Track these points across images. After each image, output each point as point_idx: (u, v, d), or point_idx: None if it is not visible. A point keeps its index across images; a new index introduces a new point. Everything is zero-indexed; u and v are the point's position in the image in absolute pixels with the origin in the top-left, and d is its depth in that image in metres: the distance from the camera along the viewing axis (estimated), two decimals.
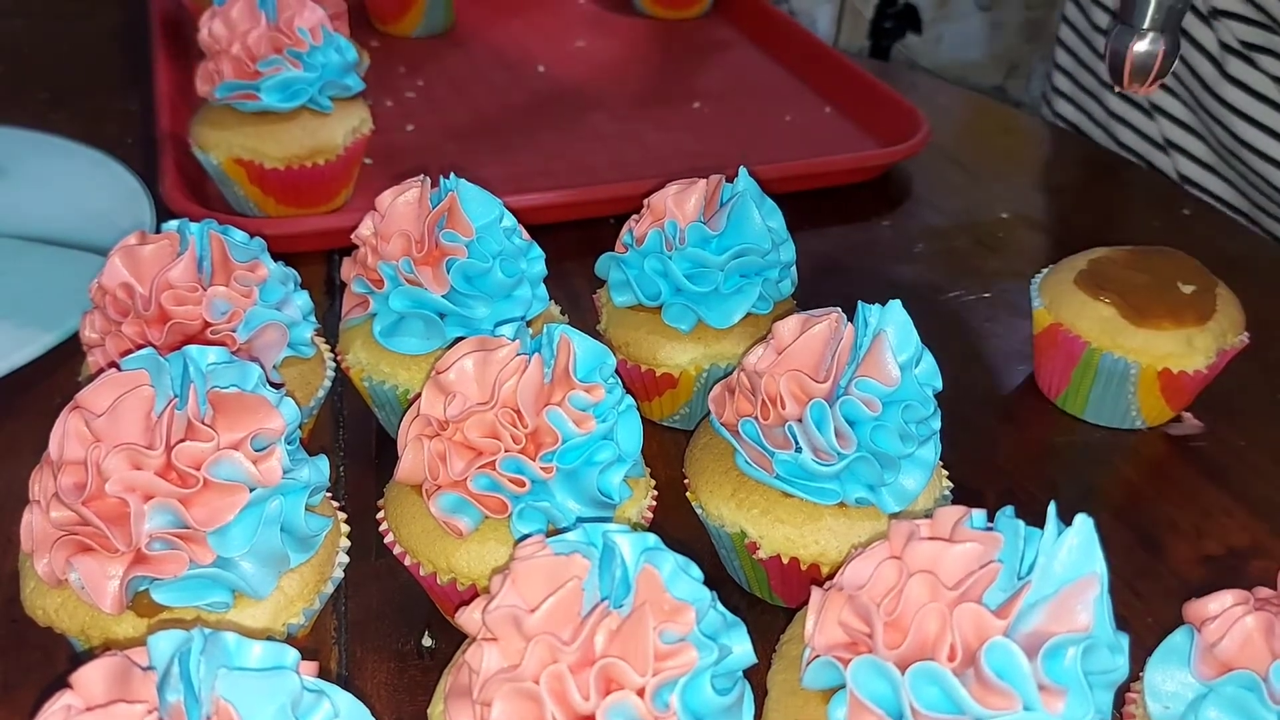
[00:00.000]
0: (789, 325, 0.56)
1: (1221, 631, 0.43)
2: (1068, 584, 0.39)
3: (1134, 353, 0.70)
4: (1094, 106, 1.19)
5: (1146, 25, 0.60)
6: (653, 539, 0.42)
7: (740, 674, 0.42)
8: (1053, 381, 0.75)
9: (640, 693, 0.38)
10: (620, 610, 0.40)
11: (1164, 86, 1.09)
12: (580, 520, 0.52)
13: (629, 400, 0.55)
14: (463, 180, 0.63)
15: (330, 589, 0.54)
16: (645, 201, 0.69)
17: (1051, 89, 1.26)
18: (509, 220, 0.65)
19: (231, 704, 0.36)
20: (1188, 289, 0.71)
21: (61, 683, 0.37)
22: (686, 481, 0.61)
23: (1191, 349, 0.70)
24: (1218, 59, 1.03)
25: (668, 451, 0.71)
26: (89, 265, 0.80)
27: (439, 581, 0.54)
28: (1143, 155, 1.14)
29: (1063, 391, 0.75)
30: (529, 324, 0.66)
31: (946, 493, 0.60)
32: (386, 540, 0.57)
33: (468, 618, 0.42)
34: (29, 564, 0.51)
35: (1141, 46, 0.60)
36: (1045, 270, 0.76)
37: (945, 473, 0.61)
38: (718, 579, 0.62)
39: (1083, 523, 0.40)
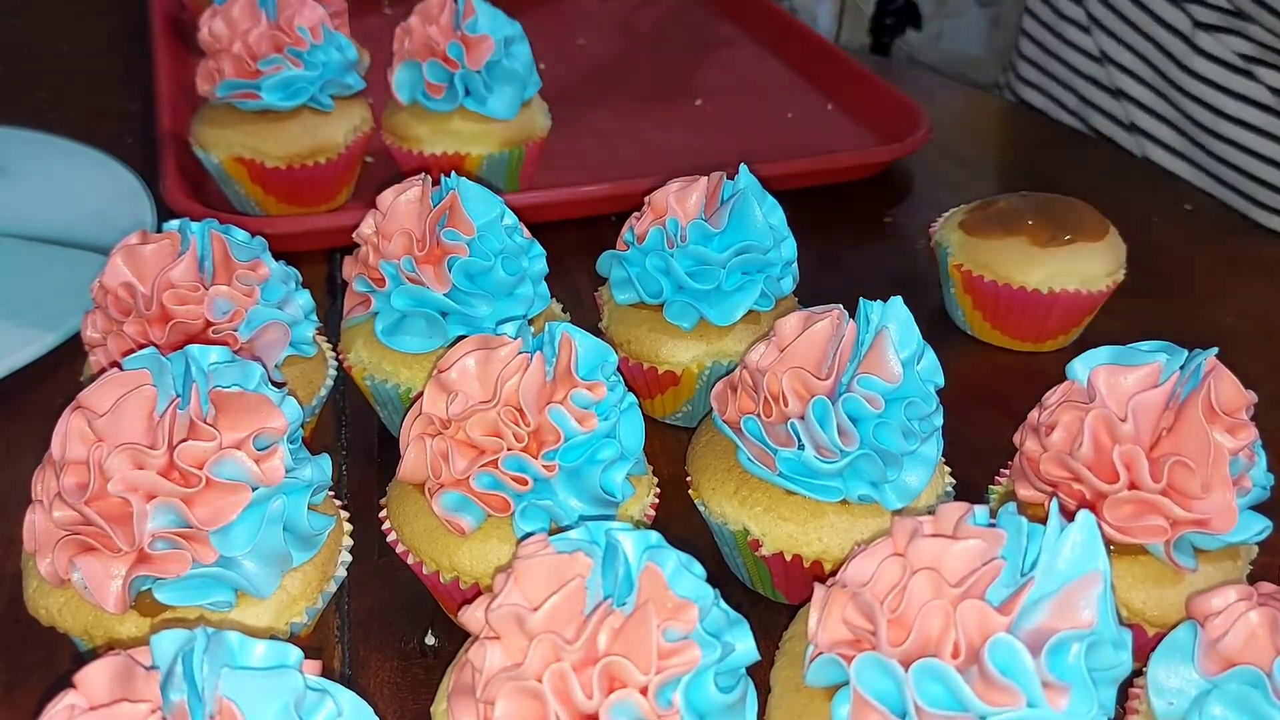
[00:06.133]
0: (791, 322, 0.56)
1: (1225, 627, 0.43)
2: (1071, 580, 0.39)
3: (953, 246, 0.80)
4: (1062, 93, 1.24)
5: None
6: (655, 537, 0.42)
7: (743, 671, 0.42)
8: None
9: (643, 691, 0.38)
10: (623, 608, 0.40)
11: (1131, 73, 1.15)
12: (583, 518, 0.52)
13: (631, 398, 0.55)
14: (464, 179, 0.63)
15: (333, 588, 0.54)
16: (646, 199, 0.69)
17: (1015, 76, 1.30)
18: (510, 218, 0.65)
19: (235, 703, 0.36)
20: (1035, 220, 0.78)
21: (65, 682, 0.37)
22: (689, 479, 0.61)
23: (997, 256, 0.77)
24: (1189, 36, 1.08)
25: (670, 449, 0.71)
26: (90, 265, 0.80)
27: (442, 580, 0.54)
28: (1110, 137, 1.18)
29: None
30: (531, 322, 0.66)
31: (949, 489, 0.60)
32: (389, 539, 0.57)
33: (470, 616, 0.42)
34: (32, 564, 0.51)
35: None
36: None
37: (948, 469, 0.61)
38: (720, 576, 0.62)
39: (1085, 519, 0.40)
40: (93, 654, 0.49)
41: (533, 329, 0.54)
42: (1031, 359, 0.81)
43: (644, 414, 0.57)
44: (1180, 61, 1.09)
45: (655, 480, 0.59)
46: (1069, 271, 0.77)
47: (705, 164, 0.72)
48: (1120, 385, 0.52)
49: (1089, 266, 0.78)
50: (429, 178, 0.64)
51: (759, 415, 0.55)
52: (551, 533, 0.45)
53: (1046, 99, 1.25)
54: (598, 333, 0.66)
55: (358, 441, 0.71)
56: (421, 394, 0.54)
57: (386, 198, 0.64)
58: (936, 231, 0.83)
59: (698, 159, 0.89)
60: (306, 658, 0.39)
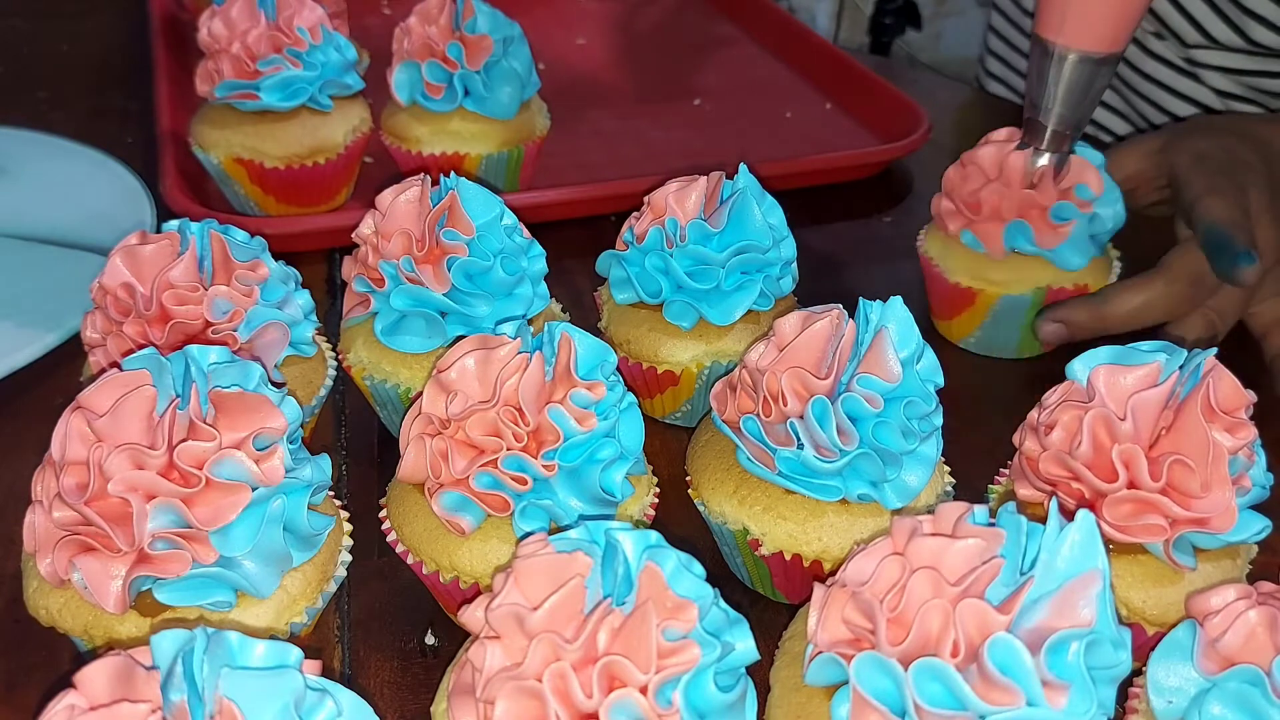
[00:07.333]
0: (790, 322, 0.56)
1: (1224, 626, 0.43)
2: (1070, 579, 0.39)
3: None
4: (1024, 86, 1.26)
5: (1044, 147, 0.74)
6: (655, 536, 0.42)
7: (743, 671, 0.42)
8: (941, 311, 0.83)
9: (643, 690, 0.38)
10: (623, 608, 0.40)
11: None
12: (582, 518, 0.52)
13: (630, 398, 0.55)
14: (463, 179, 0.63)
15: (333, 588, 0.54)
16: (646, 199, 0.69)
17: (984, 71, 1.32)
18: (510, 218, 0.65)
19: (235, 703, 0.36)
20: None
21: (65, 682, 0.37)
22: (688, 479, 0.61)
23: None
24: (1139, 39, 1.09)
25: (669, 449, 0.71)
26: (90, 265, 0.80)
27: (441, 580, 0.54)
28: None
29: (949, 322, 0.82)
30: (530, 322, 0.66)
31: (948, 489, 0.60)
32: (389, 539, 0.57)
33: (470, 616, 0.42)
34: (32, 564, 0.51)
35: (1042, 161, 0.74)
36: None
37: (947, 469, 0.61)
38: (720, 576, 0.62)
39: (1084, 518, 0.40)
40: (93, 654, 0.49)
41: (532, 329, 0.55)
42: (1031, 360, 0.81)
43: (643, 414, 0.57)
44: (1132, 63, 1.10)
45: (655, 480, 0.59)
46: (950, 255, 0.78)
47: (705, 164, 0.72)
48: (1119, 384, 0.52)
49: (967, 261, 0.78)
50: (428, 178, 0.64)
51: (758, 415, 0.55)
52: (551, 532, 0.45)
53: (1011, 93, 1.27)
54: (597, 333, 0.66)
55: (358, 441, 0.71)
56: (421, 394, 0.54)
57: (386, 198, 0.64)
58: None
59: (697, 159, 0.89)
60: (306, 658, 0.39)
